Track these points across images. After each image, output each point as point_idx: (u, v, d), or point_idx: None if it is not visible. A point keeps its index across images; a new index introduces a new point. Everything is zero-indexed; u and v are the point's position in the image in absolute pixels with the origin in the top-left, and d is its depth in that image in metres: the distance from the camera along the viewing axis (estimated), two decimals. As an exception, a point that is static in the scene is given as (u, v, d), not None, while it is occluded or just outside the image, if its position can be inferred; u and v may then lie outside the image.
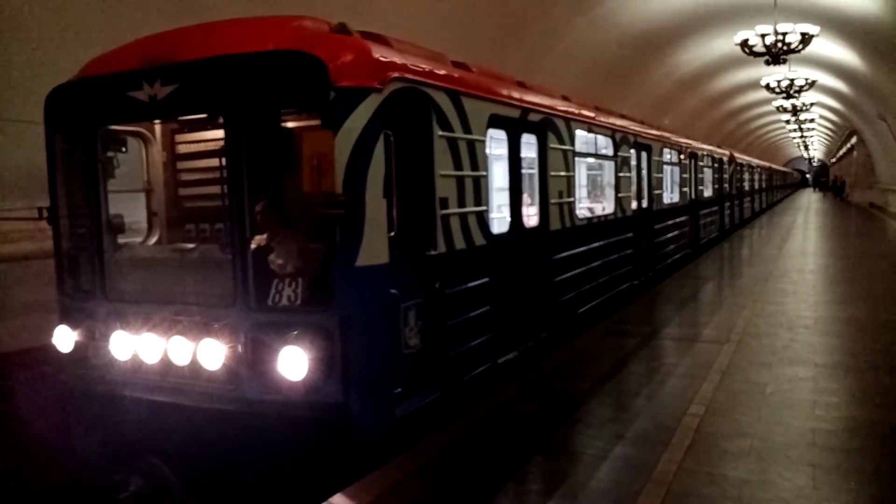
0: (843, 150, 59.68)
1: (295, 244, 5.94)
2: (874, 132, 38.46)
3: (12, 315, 8.14)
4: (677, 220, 17.14)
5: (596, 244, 10.74)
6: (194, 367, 5.57)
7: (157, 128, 7.33)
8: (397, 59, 5.77)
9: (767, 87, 27.13)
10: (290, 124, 6.39)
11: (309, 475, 5.20)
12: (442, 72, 6.46)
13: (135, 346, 5.88)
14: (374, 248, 5.31)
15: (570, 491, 5.04)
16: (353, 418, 5.15)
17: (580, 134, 10.05)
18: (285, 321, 5.28)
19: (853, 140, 50.21)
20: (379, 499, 4.93)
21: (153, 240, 7.47)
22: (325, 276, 5.24)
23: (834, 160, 74.59)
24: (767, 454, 5.54)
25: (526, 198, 8.62)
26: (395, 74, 5.62)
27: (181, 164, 7.54)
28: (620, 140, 12.09)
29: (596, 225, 11.00)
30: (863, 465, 5.37)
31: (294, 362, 5.11)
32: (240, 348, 5.39)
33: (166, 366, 5.71)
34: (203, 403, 5.49)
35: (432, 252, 6.22)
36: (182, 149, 7.49)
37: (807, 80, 26.28)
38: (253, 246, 5.81)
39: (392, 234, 5.52)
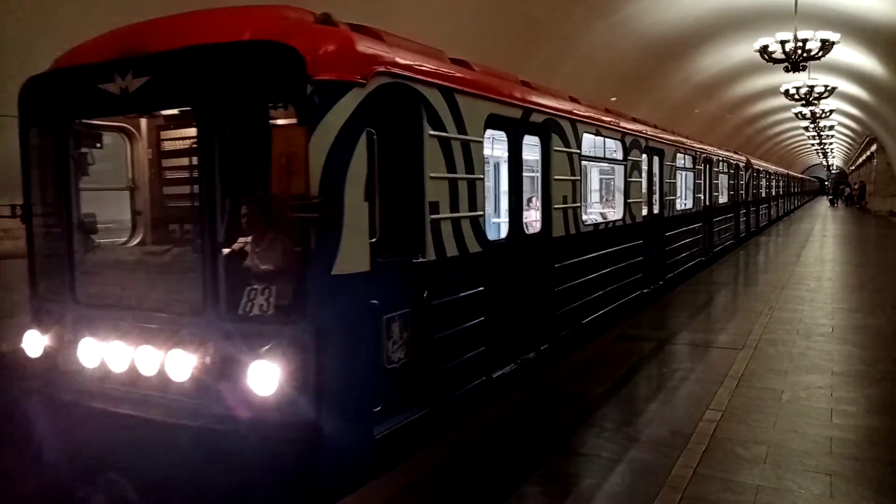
0: (863, 157, 58.82)
1: (282, 248, 5.57)
2: (895, 139, 37.87)
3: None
4: (690, 226, 16.66)
5: (602, 252, 10.31)
6: (162, 378, 5.21)
7: (143, 123, 7.01)
8: (384, 53, 5.38)
9: (787, 93, 26.74)
10: (279, 121, 6.03)
11: (279, 498, 4.82)
12: (434, 67, 6.06)
13: (102, 353, 5.54)
14: (354, 255, 4.92)
15: (584, 493, 5.06)
16: (326, 438, 4.76)
17: (587, 137, 9.63)
18: (256, 332, 4.91)
19: (873, 147, 49.46)
20: (394, 498, 4.99)
21: (136, 240, 7.17)
22: (299, 285, 4.87)
23: (853, 167, 73.66)
24: (783, 461, 5.49)
25: (527, 202, 8.23)
26: (381, 68, 5.24)
27: (167, 162, 7.21)
28: (631, 144, 11.65)
29: (603, 231, 10.57)
30: (881, 475, 5.29)
31: (264, 377, 4.74)
32: (208, 360, 5.02)
33: (134, 376, 5.36)
34: (169, 418, 5.12)
35: (420, 259, 5.83)
36: (167, 146, 7.16)
37: (826, 87, 25.92)
38: (236, 248, 5.46)
39: (374, 239, 5.14)
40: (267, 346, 4.78)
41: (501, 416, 6.61)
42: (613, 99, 23.02)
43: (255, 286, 5.06)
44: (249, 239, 5.76)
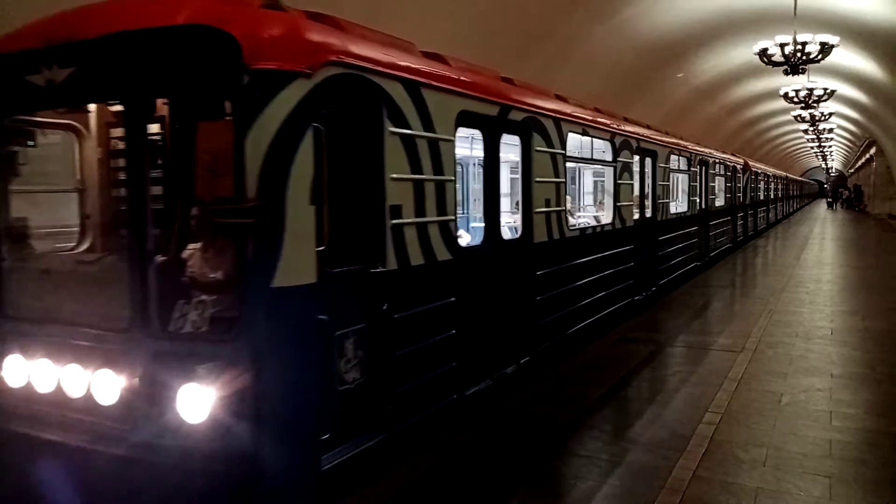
0: (862, 160, 58.35)
1: (230, 257, 5.03)
2: (894, 142, 37.48)
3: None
4: (685, 230, 16.13)
5: (589, 258, 9.76)
6: (88, 401, 4.69)
7: (92, 120, 6.48)
8: (336, 42, 4.85)
9: (786, 96, 26.32)
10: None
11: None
12: (395, 59, 5.53)
13: (28, 372, 5.03)
14: (298, 266, 4.39)
15: (583, 496, 5.05)
16: (266, 470, 4.24)
17: (573, 136, 9.10)
18: (188, 351, 4.38)
19: (872, 150, 49.01)
20: (393, 499, 5.01)
21: (85, 246, 6.64)
22: (235, 299, 4.35)
23: (852, 170, 73.20)
24: (783, 464, 5.50)
25: (505, 206, 7.70)
26: (332, 58, 4.71)
27: (117, 162, 6.68)
28: (621, 144, 11.12)
29: (590, 236, 10.05)
30: (881, 477, 5.29)
31: (195, 401, 4.23)
32: (136, 381, 4.50)
33: (60, 398, 4.84)
34: (96, 445, 4.60)
35: (379, 269, 5.29)
36: (118, 144, 6.62)
37: (825, 90, 25.51)
38: (185, 255, 4.94)
39: (322, 248, 4.62)
40: (199, 367, 4.26)
41: (500, 417, 6.62)
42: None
43: (188, 300, 4.54)
44: (199, 245, 5.25)
